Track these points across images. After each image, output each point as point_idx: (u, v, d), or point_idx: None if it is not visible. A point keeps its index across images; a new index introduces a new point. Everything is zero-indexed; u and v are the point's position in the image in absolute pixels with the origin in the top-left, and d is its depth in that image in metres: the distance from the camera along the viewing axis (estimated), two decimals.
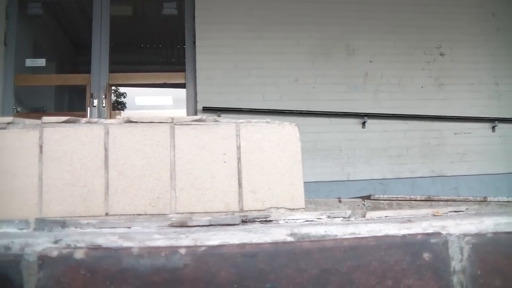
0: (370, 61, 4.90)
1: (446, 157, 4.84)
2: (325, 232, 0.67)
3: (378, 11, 5.01)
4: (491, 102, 5.03)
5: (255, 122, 1.37)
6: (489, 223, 0.71)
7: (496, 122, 4.95)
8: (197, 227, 0.90)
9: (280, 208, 1.32)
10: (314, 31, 4.87)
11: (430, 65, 5.01)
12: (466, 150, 4.86)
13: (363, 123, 4.70)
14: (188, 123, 1.35)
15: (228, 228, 0.82)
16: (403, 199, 3.64)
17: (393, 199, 3.65)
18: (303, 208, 1.36)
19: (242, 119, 1.34)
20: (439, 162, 4.81)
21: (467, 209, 1.51)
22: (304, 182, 3.29)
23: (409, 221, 0.75)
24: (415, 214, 1.21)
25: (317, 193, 4.16)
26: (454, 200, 3.49)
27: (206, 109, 4.45)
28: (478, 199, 3.33)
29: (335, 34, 4.91)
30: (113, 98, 5.65)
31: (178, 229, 0.84)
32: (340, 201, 3.50)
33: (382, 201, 3.60)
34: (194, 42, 4.75)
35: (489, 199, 3.32)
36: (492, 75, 5.09)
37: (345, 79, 4.82)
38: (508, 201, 3.41)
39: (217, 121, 1.32)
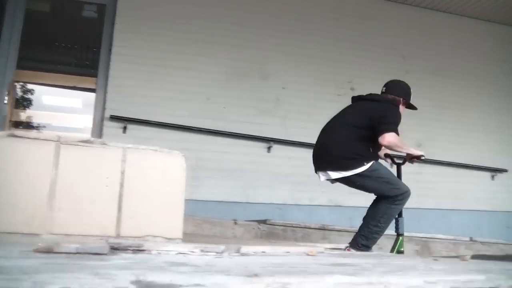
0: (283, 88, 6.92)
1: (345, 188, 6.87)
2: (170, 281, 0.82)
3: (295, 40, 7.08)
4: None
5: (143, 148, 1.85)
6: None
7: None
8: (64, 254, 1.07)
9: (157, 236, 1.68)
10: (232, 52, 6.80)
11: (340, 98, 7.11)
12: None
13: (269, 148, 6.66)
14: (75, 143, 1.64)
15: (87, 263, 1.00)
16: (297, 226, 5.46)
17: (288, 225, 5.45)
18: (180, 239, 1.68)
19: (130, 144, 1.93)
20: (338, 192, 6.83)
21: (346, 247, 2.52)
22: (204, 201, 5.50)
23: (256, 275, 0.92)
24: (290, 251, 1.66)
25: (216, 212, 5.99)
26: (346, 231, 5.40)
27: (114, 118, 6.14)
28: None
29: (252, 58, 6.89)
30: (19, 94, 7.17)
31: (41, 256, 1.03)
32: (235, 223, 5.21)
33: (277, 226, 5.35)
34: (110, 49, 6.45)
35: None
36: None
37: (256, 102, 6.77)
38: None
39: (105, 144, 1.70)
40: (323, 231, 5.47)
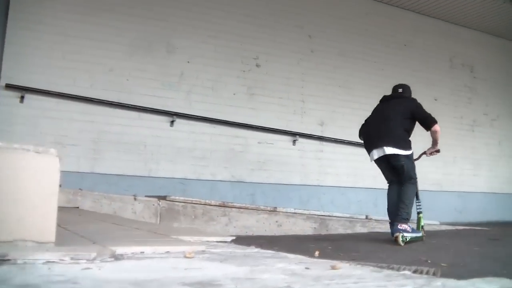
0: (188, 62, 7.84)
1: (248, 164, 8.04)
2: None
3: (203, 15, 8.01)
4: (295, 117, 8.45)
5: (14, 148, 1.84)
6: None
7: (297, 136, 8.37)
8: None
9: (28, 241, 1.74)
10: (137, 23, 7.60)
11: (245, 74, 8.21)
12: (266, 160, 8.14)
13: (172, 122, 7.58)
14: None
15: None
16: (198, 202, 6.35)
17: (188, 201, 6.31)
18: (52, 242, 1.75)
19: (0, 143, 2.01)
20: (240, 168, 7.98)
21: (232, 239, 2.90)
22: (106, 174, 6.45)
23: None
24: (169, 250, 1.80)
25: (117, 186, 6.86)
26: (246, 208, 6.37)
27: (10, 87, 6.72)
28: (269, 208, 6.38)
29: (157, 30, 7.73)
30: None
31: None
32: (135, 199, 5.98)
33: (178, 203, 6.16)
34: (7, 14, 7.00)
35: (278, 209, 6.40)
36: (300, 93, 8.54)
37: (161, 76, 7.65)
38: (295, 212, 6.57)
39: None
40: (224, 208, 6.06)
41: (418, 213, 5.80)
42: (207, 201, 6.07)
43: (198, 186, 7.58)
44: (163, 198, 5.80)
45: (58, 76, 6.97)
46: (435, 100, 10.47)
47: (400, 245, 5.05)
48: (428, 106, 10.06)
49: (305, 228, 6.40)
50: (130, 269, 1.42)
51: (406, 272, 1.45)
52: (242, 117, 8.01)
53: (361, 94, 9.27)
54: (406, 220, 5.48)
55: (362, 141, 6.17)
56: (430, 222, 7.84)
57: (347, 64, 9.27)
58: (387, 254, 4.25)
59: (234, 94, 8.07)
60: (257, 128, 8.11)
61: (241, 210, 6.09)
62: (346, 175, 8.90)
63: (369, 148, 5.92)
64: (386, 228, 7.24)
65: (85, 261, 1.52)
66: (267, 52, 8.40)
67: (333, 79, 9.04)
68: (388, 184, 6.00)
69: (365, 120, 6.27)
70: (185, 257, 1.75)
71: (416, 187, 5.80)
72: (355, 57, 9.37)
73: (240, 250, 2.08)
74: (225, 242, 2.53)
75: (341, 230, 6.80)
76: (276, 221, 6.13)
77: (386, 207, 5.88)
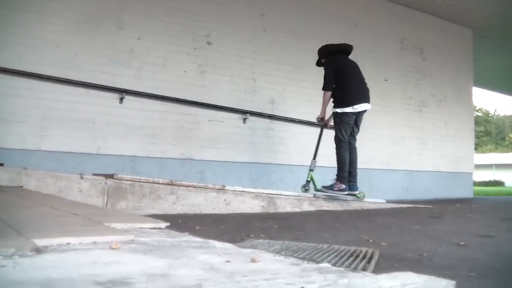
0: (138, 38, 7.84)
1: (197, 142, 8.14)
2: None
3: None
4: (246, 96, 8.57)
5: None
6: None
7: (248, 114, 8.50)
8: None
9: None
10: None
11: (196, 52, 8.26)
12: (216, 137, 8.26)
13: (121, 99, 7.60)
14: None
15: None
16: (145, 181, 6.40)
17: (136, 180, 6.36)
18: None
19: None
20: (190, 146, 8.07)
21: (167, 225, 2.45)
22: (53, 152, 6.47)
23: None
24: (97, 241, 1.74)
25: (64, 164, 6.87)
26: (194, 186, 6.46)
27: None
28: (217, 187, 6.48)
29: (107, 5, 7.69)
30: None
31: None
32: (82, 178, 6.01)
33: (125, 181, 6.20)
34: None
35: (226, 187, 6.51)
36: (251, 71, 8.65)
37: (110, 52, 7.63)
38: (243, 191, 6.68)
39: None
40: (171, 186, 6.09)
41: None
42: (155, 179, 6.10)
43: (148, 164, 7.65)
44: (111, 176, 5.80)
45: (2, 50, 6.88)
46: (385, 80, 10.78)
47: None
48: (378, 86, 10.46)
49: (254, 206, 6.55)
50: (47, 266, 1.35)
51: (325, 265, 1.47)
52: (192, 95, 8.09)
53: (311, 73, 9.41)
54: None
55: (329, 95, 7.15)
56: (376, 200, 8.14)
57: (299, 43, 9.42)
58: (331, 233, 4.39)
59: (184, 71, 8.13)
60: (208, 106, 8.21)
61: (189, 188, 6.16)
62: (296, 154, 9.11)
63: (358, 99, 6.93)
64: (333, 206, 7.51)
65: (1, 257, 1.39)
66: (219, 30, 8.46)
67: (285, 58, 9.18)
68: (346, 142, 7.11)
69: (341, 73, 7.13)
70: (111, 248, 1.69)
71: None
72: (306, 37, 9.51)
73: (170, 238, 2.06)
74: (159, 228, 2.45)
75: (289, 209, 6.97)
76: (225, 200, 6.26)
77: (353, 165, 7.19)
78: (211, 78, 8.33)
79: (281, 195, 6.96)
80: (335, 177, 7.05)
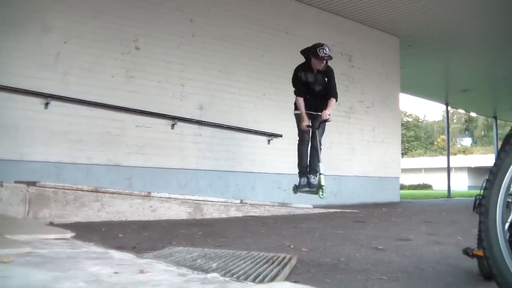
0: (65, 42, 7.90)
1: (125, 148, 8.28)
2: None
3: None
4: (174, 101, 8.79)
5: None
6: None
7: (176, 120, 8.70)
8: None
9: None
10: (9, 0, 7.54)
11: (124, 57, 8.40)
12: (144, 143, 8.42)
13: (46, 104, 7.64)
14: None
15: None
16: (69, 188, 6.44)
17: (60, 187, 6.37)
18: None
19: None
20: (117, 152, 8.20)
21: (72, 236, 2.89)
22: None
23: None
24: None
25: None
26: (120, 193, 6.57)
27: None
28: (143, 193, 6.62)
29: (32, 7, 7.70)
30: None
31: None
32: (1, 185, 5.96)
33: (48, 189, 6.19)
34: None
35: (152, 194, 6.65)
36: (180, 76, 8.88)
37: (34, 56, 7.66)
38: (169, 197, 6.84)
39: None
40: (96, 193, 6.15)
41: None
42: (79, 186, 6.12)
43: (74, 170, 7.72)
44: (33, 184, 5.71)
45: None
46: None
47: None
48: None
49: (180, 212, 6.76)
50: None
51: (213, 275, 1.54)
52: (120, 100, 8.22)
53: (240, 79, 9.80)
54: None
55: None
56: (304, 205, 8.50)
57: (228, 49, 9.72)
58: (254, 240, 4.56)
59: (112, 76, 8.25)
60: (136, 111, 8.36)
61: (115, 195, 6.26)
62: (224, 159, 9.39)
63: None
64: (260, 212, 7.82)
65: None
66: (147, 35, 8.63)
67: (214, 64, 9.46)
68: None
69: None
70: (2, 261, 1.63)
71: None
72: (236, 43, 9.84)
73: (70, 249, 2.04)
74: (64, 239, 2.39)
75: (215, 215, 7.20)
76: (150, 206, 6.45)
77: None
78: (139, 83, 8.49)
79: (207, 201, 7.18)
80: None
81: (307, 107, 7.44)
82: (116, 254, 1.97)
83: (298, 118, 7.45)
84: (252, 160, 9.78)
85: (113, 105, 8.15)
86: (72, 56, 7.93)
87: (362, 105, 12.52)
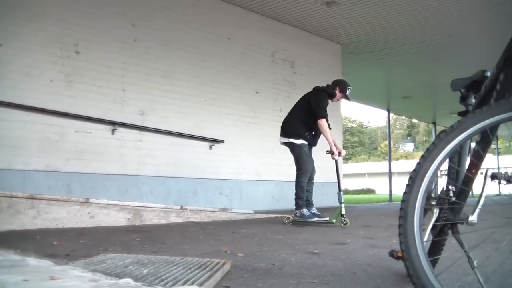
0: (1, 45, 7.80)
1: (64, 154, 8.22)
2: None
3: None
4: (115, 106, 8.79)
5: None
6: None
7: (117, 125, 8.71)
8: None
9: None
10: None
11: (64, 61, 8.35)
12: (84, 149, 8.39)
13: None
14: None
15: None
16: (3, 195, 6.33)
17: None
18: None
19: None
20: (56, 158, 8.14)
21: None
22: None
23: None
24: None
25: None
26: (57, 200, 6.52)
27: None
28: (81, 200, 6.58)
29: None
30: None
31: None
32: None
33: None
34: None
35: (91, 200, 6.62)
36: (121, 81, 8.88)
37: None
38: (108, 203, 6.82)
39: None
40: (32, 200, 6.13)
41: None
42: (13, 193, 6.06)
43: (9, 176, 7.60)
44: None
45: None
46: (256, 93, 11.42)
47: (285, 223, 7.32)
48: (250, 99, 11.05)
49: (119, 219, 6.79)
50: None
51: (126, 280, 1.56)
52: (59, 105, 8.16)
53: (182, 84, 9.88)
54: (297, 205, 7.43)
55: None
56: (244, 211, 8.65)
57: (170, 54, 9.79)
58: (191, 245, 4.63)
59: (51, 81, 8.18)
60: (75, 116, 8.31)
61: (51, 202, 6.22)
62: (166, 165, 9.43)
63: None
64: (201, 218, 7.92)
65: None
66: (88, 39, 8.61)
67: (155, 69, 9.51)
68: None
69: None
70: None
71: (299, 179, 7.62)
72: (178, 48, 9.91)
73: None
74: None
75: (155, 221, 7.26)
76: (89, 213, 6.45)
77: None
78: (79, 88, 8.45)
79: (147, 207, 7.22)
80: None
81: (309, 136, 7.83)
82: (32, 261, 1.95)
83: (304, 148, 7.71)
84: (193, 166, 9.85)
85: (52, 110, 8.08)
86: (9, 59, 7.83)
87: None
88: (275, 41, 12.15)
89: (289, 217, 7.33)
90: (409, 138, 78.08)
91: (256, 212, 9.02)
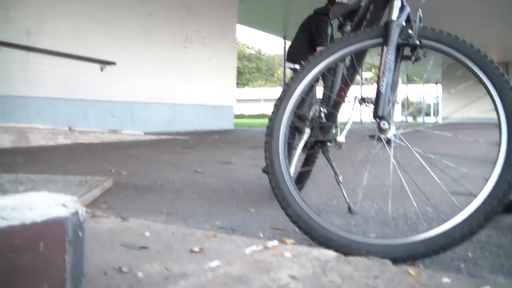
0: None
1: None
2: None
3: None
4: None
5: None
6: None
7: (0, 45, 8.47)
8: None
9: None
10: None
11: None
12: None
13: None
14: None
15: None
16: None
17: None
18: None
19: None
20: None
21: None
22: None
23: None
24: None
25: None
26: None
27: None
28: None
29: None
30: None
31: None
32: None
33: None
34: None
35: None
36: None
37: None
38: None
39: None
40: None
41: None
42: None
43: None
44: None
45: None
46: (150, 15, 11.34)
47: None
48: (143, 22, 10.98)
49: (3, 141, 6.64)
50: None
51: None
52: None
53: (74, 4, 9.62)
54: None
55: None
56: (134, 132, 8.79)
57: None
58: (76, 165, 4.64)
59: None
60: None
61: None
62: (56, 87, 9.32)
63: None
64: (90, 139, 7.93)
65: None
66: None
67: None
68: None
69: None
70: None
71: None
72: None
73: None
74: None
75: (42, 142, 7.16)
76: None
77: None
78: None
79: (33, 128, 7.09)
80: None
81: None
82: None
83: None
84: (84, 88, 9.80)
85: None
86: None
87: (198, 35, 12.84)
88: None
89: None
90: None
91: (146, 133, 9.14)
